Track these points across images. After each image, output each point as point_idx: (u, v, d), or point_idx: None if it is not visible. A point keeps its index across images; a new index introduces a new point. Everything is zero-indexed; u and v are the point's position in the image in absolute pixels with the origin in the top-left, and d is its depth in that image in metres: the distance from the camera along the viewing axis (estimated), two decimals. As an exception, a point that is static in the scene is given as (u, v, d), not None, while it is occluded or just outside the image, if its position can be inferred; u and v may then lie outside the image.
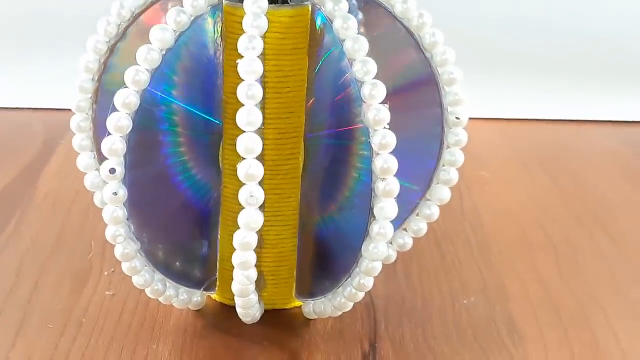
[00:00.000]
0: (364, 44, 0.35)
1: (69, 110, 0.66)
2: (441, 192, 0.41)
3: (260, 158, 0.34)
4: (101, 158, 0.41)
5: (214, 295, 0.43)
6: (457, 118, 0.40)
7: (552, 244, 0.50)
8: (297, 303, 0.42)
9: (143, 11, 0.39)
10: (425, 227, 0.42)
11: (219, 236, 0.41)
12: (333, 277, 0.41)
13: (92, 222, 0.50)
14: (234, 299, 0.41)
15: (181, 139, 0.39)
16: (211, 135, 0.39)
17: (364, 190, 0.38)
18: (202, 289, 0.41)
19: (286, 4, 0.38)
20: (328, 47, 0.37)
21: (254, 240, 0.35)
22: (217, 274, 0.41)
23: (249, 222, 0.34)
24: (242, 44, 0.34)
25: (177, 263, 0.41)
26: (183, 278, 0.41)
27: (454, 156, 0.41)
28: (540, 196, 0.57)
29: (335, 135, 0.39)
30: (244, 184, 0.34)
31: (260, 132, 0.34)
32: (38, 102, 0.67)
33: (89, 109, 0.40)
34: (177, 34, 0.36)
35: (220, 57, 0.38)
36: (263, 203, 0.34)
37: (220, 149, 0.39)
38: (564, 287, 0.46)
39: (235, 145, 0.38)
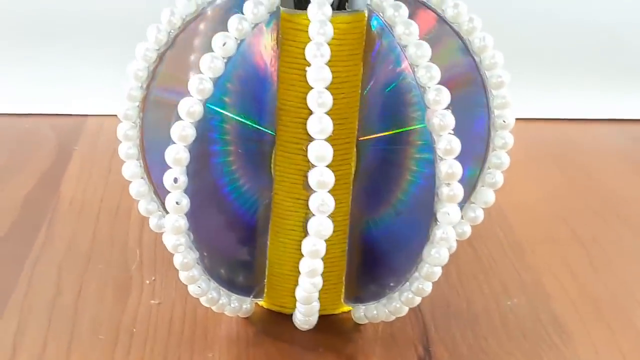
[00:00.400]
0: (427, 49, 0.35)
1: (78, 115, 0.66)
2: (486, 195, 0.42)
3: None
4: (147, 167, 0.41)
5: (261, 302, 0.43)
6: (504, 121, 0.41)
7: (580, 240, 0.51)
8: (345, 308, 0.42)
9: (194, 19, 0.39)
10: (470, 230, 0.42)
11: (268, 243, 0.41)
12: (379, 281, 0.41)
13: (122, 229, 0.50)
14: (283, 306, 0.42)
15: (230, 148, 0.39)
16: (260, 143, 0.39)
17: (419, 193, 0.38)
18: (251, 296, 0.41)
19: (343, 10, 0.38)
20: (384, 51, 0.37)
21: (323, 248, 0.35)
22: (265, 281, 0.41)
23: (320, 229, 0.34)
24: (310, 52, 0.34)
25: (222, 270, 0.41)
26: (230, 285, 0.41)
27: (500, 159, 0.41)
28: (559, 194, 0.58)
29: (390, 139, 0.39)
30: (314, 191, 0.34)
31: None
32: (45, 107, 0.66)
33: (136, 117, 0.40)
34: (238, 42, 0.35)
35: (275, 65, 0.37)
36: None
37: (273, 156, 0.39)
38: (600, 283, 0.46)
39: (288, 152, 0.38)
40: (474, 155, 0.42)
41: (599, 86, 0.70)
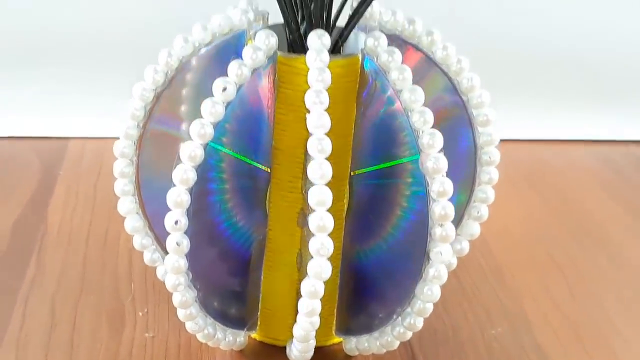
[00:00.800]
0: (420, 94, 0.36)
1: (60, 138, 0.66)
2: (472, 228, 0.43)
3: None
4: (141, 203, 0.42)
5: (254, 335, 0.44)
6: (489, 157, 0.42)
7: (557, 265, 0.53)
8: (336, 339, 0.44)
9: (188, 57, 0.39)
10: (456, 262, 0.44)
11: (262, 277, 0.41)
12: (369, 311, 0.42)
13: (112, 255, 0.50)
14: (276, 338, 0.43)
15: (226, 186, 0.39)
16: (255, 179, 0.40)
17: (409, 228, 0.39)
18: (245, 329, 0.42)
19: (338, 54, 0.39)
20: (377, 91, 0.38)
21: (321, 289, 0.36)
22: (258, 314, 0.42)
23: (319, 271, 0.35)
24: (309, 99, 0.35)
25: (216, 303, 0.41)
26: (224, 318, 0.41)
27: (485, 193, 0.43)
28: (534, 216, 0.60)
29: (380, 173, 0.40)
30: (313, 235, 0.35)
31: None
32: (26, 130, 0.66)
33: (132, 154, 0.41)
34: (237, 87, 0.36)
35: (272, 106, 0.38)
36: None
37: (268, 193, 0.40)
38: (579, 309, 0.48)
39: (283, 190, 0.39)
40: (458, 181, 0.43)
41: (570, 108, 0.72)
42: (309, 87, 0.35)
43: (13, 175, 0.60)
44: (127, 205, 0.41)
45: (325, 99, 0.35)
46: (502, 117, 0.69)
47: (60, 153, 0.64)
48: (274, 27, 0.41)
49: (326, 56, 0.36)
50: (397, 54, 0.37)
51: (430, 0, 0.62)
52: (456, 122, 0.42)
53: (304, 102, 0.36)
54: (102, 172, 0.61)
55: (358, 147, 0.40)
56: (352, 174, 0.40)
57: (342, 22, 0.40)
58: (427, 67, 0.41)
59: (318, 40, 0.36)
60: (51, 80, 0.67)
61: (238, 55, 0.38)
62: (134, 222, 0.42)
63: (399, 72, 0.37)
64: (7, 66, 0.66)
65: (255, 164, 0.39)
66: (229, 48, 0.39)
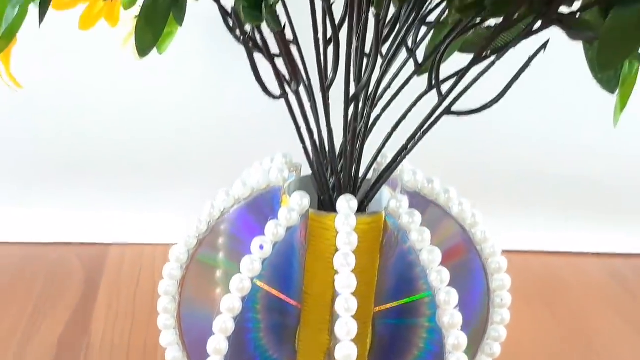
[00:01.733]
0: (438, 255, 0.40)
1: (103, 244, 0.70)
2: (485, 363, 0.47)
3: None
4: (181, 335, 0.46)
5: None
6: (501, 300, 0.46)
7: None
8: None
9: (229, 209, 0.44)
10: (471, 394, 0.47)
11: (290, 406, 0.45)
12: None
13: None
14: None
15: (261, 325, 0.43)
16: (287, 316, 0.44)
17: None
18: None
19: (363, 212, 0.43)
20: (398, 242, 0.42)
21: None
22: None
23: (343, 415, 0.39)
24: (337, 261, 0.39)
25: None
26: None
27: (497, 332, 0.46)
28: (546, 333, 0.63)
29: (399, 314, 0.43)
30: (339, 384, 0.39)
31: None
32: (71, 236, 0.71)
33: (175, 293, 0.45)
34: (273, 244, 0.40)
35: (303, 255, 0.42)
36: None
37: (298, 331, 0.44)
38: None
39: (312, 330, 0.43)
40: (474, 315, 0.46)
41: (580, 221, 0.75)
42: (337, 244, 0.39)
43: (59, 282, 0.64)
44: (169, 338, 0.45)
45: (352, 261, 0.39)
46: (518, 230, 0.74)
47: (101, 259, 0.68)
48: (305, 179, 0.45)
49: (353, 220, 0.40)
50: (417, 215, 0.41)
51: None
52: (469, 265, 0.46)
53: (332, 253, 0.40)
54: (140, 278, 0.65)
55: (379, 289, 0.44)
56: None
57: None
58: (443, 214, 0.45)
59: (346, 205, 0.40)
60: (94, 187, 0.71)
61: (274, 207, 0.42)
62: (174, 353, 0.45)
63: (418, 234, 0.41)
64: (52, 173, 0.71)
65: (287, 300, 0.43)
66: (266, 201, 0.44)
